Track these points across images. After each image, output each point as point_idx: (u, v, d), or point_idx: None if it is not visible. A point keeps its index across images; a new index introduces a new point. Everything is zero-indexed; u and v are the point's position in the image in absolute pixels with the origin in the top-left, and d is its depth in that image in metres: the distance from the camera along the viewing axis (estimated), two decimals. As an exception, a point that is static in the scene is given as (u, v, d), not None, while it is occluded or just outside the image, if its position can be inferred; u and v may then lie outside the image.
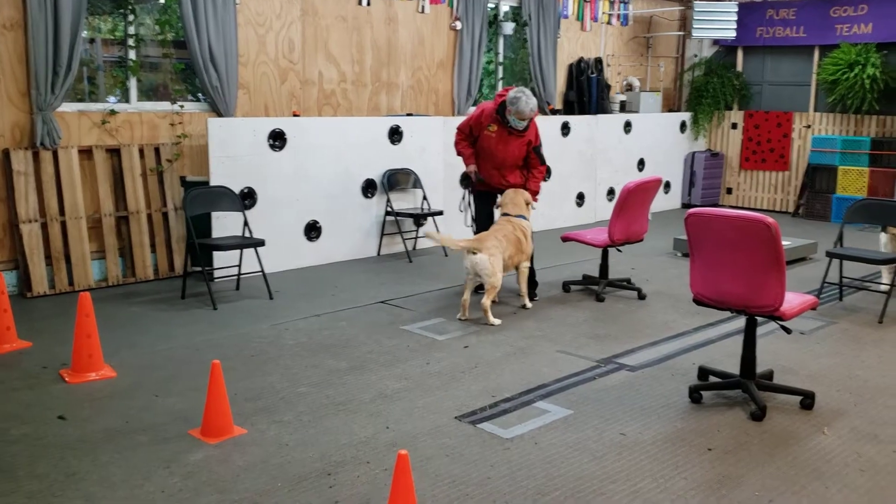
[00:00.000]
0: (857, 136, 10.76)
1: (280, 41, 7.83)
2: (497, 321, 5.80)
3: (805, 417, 4.25)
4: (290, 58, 7.92)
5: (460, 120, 8.47)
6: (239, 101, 7.54)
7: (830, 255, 6.42)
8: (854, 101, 10.36)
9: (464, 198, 6.88)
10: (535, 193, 6.50)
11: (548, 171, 9.63)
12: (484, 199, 6.65)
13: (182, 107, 7.24)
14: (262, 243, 6.48)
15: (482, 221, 6.57)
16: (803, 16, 11.00)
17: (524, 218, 6.21)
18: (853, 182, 10.59)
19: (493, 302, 5.97)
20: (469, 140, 6.49)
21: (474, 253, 5.78)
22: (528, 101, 6.09)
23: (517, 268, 6.18)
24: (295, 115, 7.84)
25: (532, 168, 6.48)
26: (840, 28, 10.68)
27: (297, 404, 4.30)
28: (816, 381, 4.74)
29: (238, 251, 6.68)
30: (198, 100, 7.61)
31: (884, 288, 6.38)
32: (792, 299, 4.30)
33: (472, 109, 9.54)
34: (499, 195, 6.57)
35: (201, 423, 3.91)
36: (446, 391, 4.51)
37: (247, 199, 7.06)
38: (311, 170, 7.52)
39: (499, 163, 6.37)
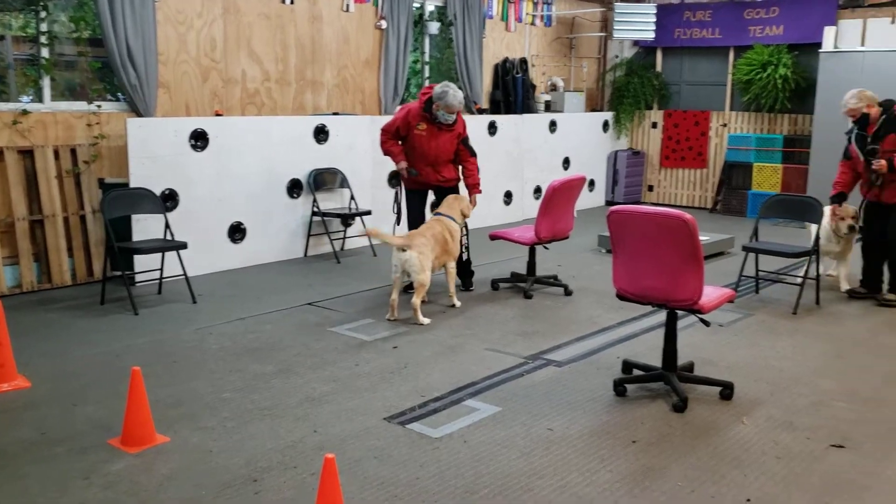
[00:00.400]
0: (771, 133, 11.16)
1: (201, 39, 7.67)
2: (426, 320, 5.81)
3: (725, 407, 4.38)
4: (211, 56, 7.76)
5: (388, 119, 8.47)
6: (159, 100, 7.35)
7: (746, 249, 6.64)
8: (767, 100, 10.73)
9: (395, 198, 6.85)
10: (476, 186, 6.60)
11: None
12: (416, 197, 6.68)
13: (99, 106, 7.02)
14: (184, 246, 6.34)
15: (414, 220, 6.57)
16: (719, 17, 11.34)
17: (454, 220, 6.24)
18: (767, 178, 10.97)
19: (423, 301, 5.97)
20: (395, 138, 6.50)
21: (403, 250, 5.78)
22: (455, 94, 6.19)
23: (445, 267, 6.20)
24: (218, 115, 7.69)
25: (464, 162, 6.55)
26: (753, 30, 11.04)
27: (222, 410, 4.21)
28: (735, 372, 4.88)
29: (160, 254, 6.51)
30: (116, 99, 7.39)
31: (798, 280, 6.62)
32: (710, 293, 4.42)
33: (400, 107, 9.56)
34: (430, 191, 6.61)
35: (121, 431, 3.80)
36: (375, 392, 4.49)
37: (168, 200, 6.90)
38: (235, 170, 7.39)
39: (432, 160, 6.43)
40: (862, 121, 6.31)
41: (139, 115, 7.10)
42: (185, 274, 6.38)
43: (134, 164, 6.68)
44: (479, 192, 6.65)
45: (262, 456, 3.69)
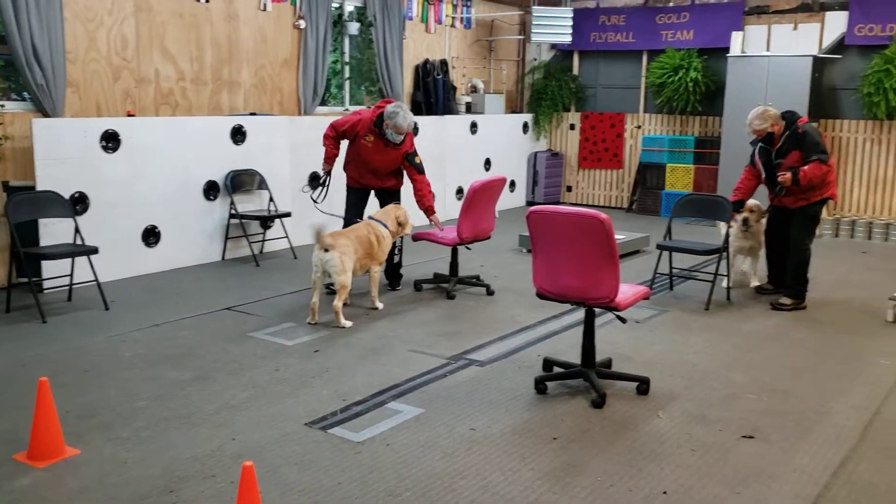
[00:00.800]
0: (683, 135, 11.49)
1: (112, 37, 7.43)
2: (348, 323, 5.76)
3: (641, 402, 4.48)
4: (123, 55, 7.53)
5: (307, 120, 8.40)
6: (68, 100, 7.09)
7: (660, 247, 6.81)
8: (679, 102, 11.05)
9: (321, 179, 6.75)
10: (430, 209, 6.57)
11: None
12: (356, 196, 6.76)
13: (3, 106, 6.72)
14: (95, 251, 6.14)
15: (349, 219, 6.62)
16: (632, 22, 11.62)
17: (384, 226, 6.21)
18: (680, 178, 11.30)
19: (345, 304, 5.91)
20: (338, 139, 6.56)
21: (326, 250, 5.69)
22: (405, 115, 6.25)
23: (369, 272, 6.16)
24: (130, 115, 7.47)
25: (413, 181, 6.55)
26: (665, 34, 11.36)
27: (136, 419, 4.09)
28: (651, 367, 5.00)
29: (69, 260, 6.28)
30: (22, 99, 7.09)
31: (710, 277, 6.82)
32: (626, 290, 4.52)
33: (320, 108, 9.47)
34: (371, 191, 6.74)
35: (28, 445, 3.64)
36: (296, 398, 4.43)
37: (78, 204, 6.66)
38: (149, 172, 7.19)
39: (374, 169, 6.57)
40: (767, 137, 6.42)
41: (46, 115, 6.84)
42: (96, 280, 6.17)
43: (40, 167, 6.43)
44: (434, 212, 6.61)
45: (179, 465, 3.60)
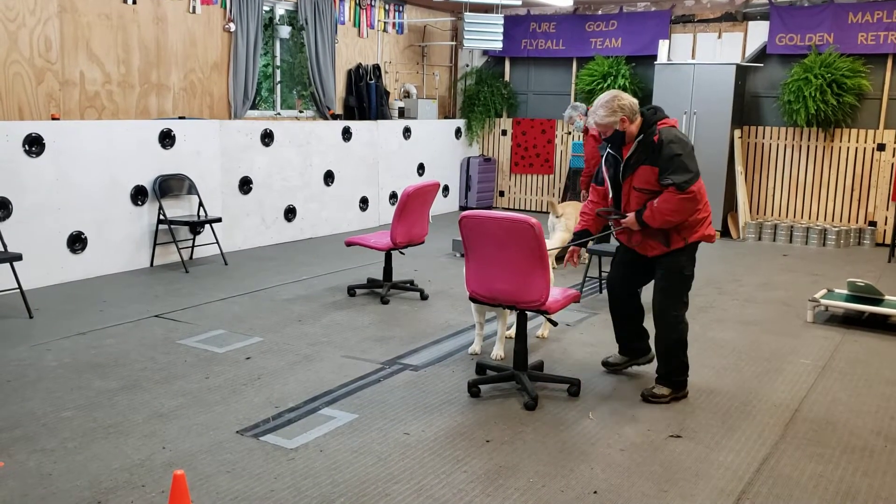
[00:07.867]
0: (613, 141, 11.71)
1: (35, 39, 7.22)
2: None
3: (573, 404, 4.56)
4: (46, 57, 7.32)
5: (237, 123, 8.36)
6: (-14, 102, 6.87)
7: (590, 252, 6.95)
8: (609, 109, 11.25)
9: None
10: None
11: (331, 177, 9.69)
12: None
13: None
14: (18, 257, 5.95)
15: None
16: (562, 30, 11.82)
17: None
18: (611, 184, 11.51)
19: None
20: (592, 184, 7.56)
21: (558, 216, 7.75)
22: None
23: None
24: (54, 119, 7.26)
25: None
26: (594, 42, 11.59)
27: (62, 430, 3.98)
28: (582, 369, 5.10)
29: (-11, 267, 6.08)
30: (-65, 100, 6.84)
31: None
32: (556, 294, 4.60)
33: (251, 112, 9.38)
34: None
35: (-53, 460, 3.52)
36: (227, 405, 4.38)
37: (0, 209, 6.47)
38: (74, 177, 7.00)
39: None
40: (616, 137, 4.51)
41: (-37, 117, 6.61)
42: (20, 287, 5.98)
43: (-42, 171, 6.21)
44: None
45: (108, 476, 3.52)
